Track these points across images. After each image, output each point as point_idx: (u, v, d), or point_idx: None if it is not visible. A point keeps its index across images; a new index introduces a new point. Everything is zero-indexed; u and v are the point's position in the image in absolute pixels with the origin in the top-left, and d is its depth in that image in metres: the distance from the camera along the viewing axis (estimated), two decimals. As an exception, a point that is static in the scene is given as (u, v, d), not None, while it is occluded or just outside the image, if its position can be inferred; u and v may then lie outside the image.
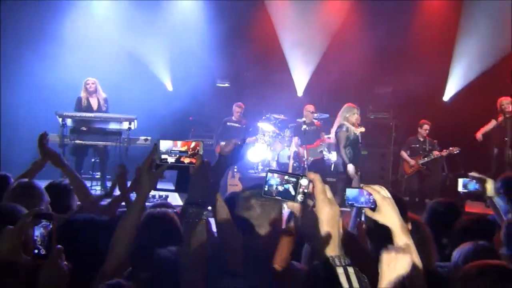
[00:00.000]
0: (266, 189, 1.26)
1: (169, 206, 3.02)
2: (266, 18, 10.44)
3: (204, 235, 1.80)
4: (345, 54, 9.65)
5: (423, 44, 9.57)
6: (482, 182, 2.99)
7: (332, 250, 1.14)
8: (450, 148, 8.22)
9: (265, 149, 9.10)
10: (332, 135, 7.45)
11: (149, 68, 10.16)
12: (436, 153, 8.35)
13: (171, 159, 1.85)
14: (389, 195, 1.69)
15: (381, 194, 1.69)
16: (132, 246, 1.92)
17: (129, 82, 9.28)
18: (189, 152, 1.84)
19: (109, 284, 1.61)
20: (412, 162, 8.55)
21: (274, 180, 1.25)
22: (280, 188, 1.24)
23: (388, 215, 1.68)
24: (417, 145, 8.61)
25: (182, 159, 1.84)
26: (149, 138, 7.86)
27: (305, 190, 1.20)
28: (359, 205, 1.75)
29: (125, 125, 7.48)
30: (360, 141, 7.22)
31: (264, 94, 9.97)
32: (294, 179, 1.22)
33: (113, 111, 8.04)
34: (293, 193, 1.22)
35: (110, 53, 9.39)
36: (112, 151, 7.67)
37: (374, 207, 1.69)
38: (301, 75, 10.68)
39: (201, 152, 1.83)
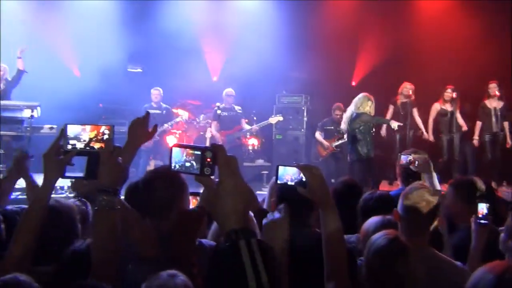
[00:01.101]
0: (173, 164, 1.22)
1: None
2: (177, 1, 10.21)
3: (116, 225, 1.72)
4: (259, 39, 9.74)
5: (332, 34, 9.90)
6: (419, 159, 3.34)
7: (235, 223, 1.10)
8: None
9: (180, 135, 8.96)
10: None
11: (53, 53, 9.52)
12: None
13: (79, 145, 1.75)
14: (321, 174, 1.76)
15: (312, 172, 1.75)
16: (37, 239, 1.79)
17: (32, 68, 8.63)
18: (98, 137, 1.74)
19: (3, 280, 1.47)
20: (326, 144, 8.82)
21: (180, 155, 1.21)
22: (187, 162, 1.21)
23: (318, 194, 1.77)
24: (332, 127, 8.82)
25: (92, 145, 1.74)
26: (54, 126, 7.39)
27: (211, 163, 1.17)
28: (286, 182, 1.84)
29: (27, 113, 6.98)
30: (373, 129, 7.28)
31: (178, 80, 9.76)
32: (198, 152, 1.19)
33: (15, 98, 7.48)
34: (199, 166, 1.18)
35: (11, 38, 8.68)
36: (14, 141, 7.12)
37: (304, 186, 1.76)
38: (215, 60, 10.61)
39: (112, 137, 1.74)
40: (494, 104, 8.46)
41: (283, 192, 2.21)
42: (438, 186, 3.22)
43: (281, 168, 1.89)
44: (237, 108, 8.65)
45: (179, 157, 1.22)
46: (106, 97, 9.79)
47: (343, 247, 1.92)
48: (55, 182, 1.79)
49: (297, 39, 10.01)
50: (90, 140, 1.74)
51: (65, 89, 8.74)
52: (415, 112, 8.53)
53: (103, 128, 1.75)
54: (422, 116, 8.66)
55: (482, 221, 2.58)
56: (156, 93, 8.86)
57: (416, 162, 3.35)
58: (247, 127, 8.74)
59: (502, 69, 8.64)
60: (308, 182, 1.80)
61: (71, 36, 9.61)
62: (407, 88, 8.45)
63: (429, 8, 9.97)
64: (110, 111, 9.68)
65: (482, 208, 2.60)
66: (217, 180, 1.16)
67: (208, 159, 1.17)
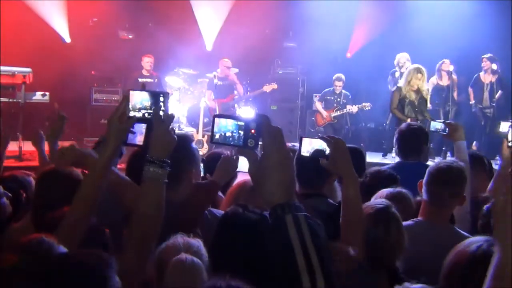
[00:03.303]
0: (215, 135, 1.17)
1: None
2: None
3: (162, 199, 1.65)
4: (253, 8, 9.55)
5: (329, 5, 9.72)
6: (452, 127, 3.10)
7: (281, 197, 1.04)
8: (363, 104, 8.54)
9: (175, 104, 8.86)
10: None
11: (42, 17, 9.23)
12: (349, 107, 8.63)
13: (141, 113, 1.68)
14: (345, 146, 1.77)
15: (337, 145, 1.76)
16: (96, 207, 1.75)
17: (20, 33, 8.39)
18: (155, 105, 1.66)
19: (30, 240, 1.47)
20: (325, 114, 8.79)
21: (221, 126, 1.16)
22: (228, 134, 1.15)
23: (339, 165, 1.79)
24: (332, 98, 8.75)
25: (150, 112, 1.67)
26: (47, 93, 7.26)
27: (255, 134, 1.12)
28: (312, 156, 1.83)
29: (19, 79, 6.82)
30: (416, 104, 6.65)
31: (171, 47, 9.59)
32: (242, 123, 1.13)
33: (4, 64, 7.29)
34: (243, 138, 1.13)
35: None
36: (5, 108, 6.98)
37: (327, 158, 1.76)
38: (209, 28, 10.40)
39: (165, 104, 1.65)
40: (488, 78, 8.48)
41: (301, 163, 2.21)
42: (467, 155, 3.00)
43: (309, 140, 1.89)
44: (230, 77, 8.56)
45: (221, 127, 1.16)
46: (97, 64, 9.59)
47: (361, 214, 1.96)
48: (117, 149, 1.73)
49: (292, 10, 9.84)
50: (150, 107, 1.67)
51: (55, 56, 8.55)
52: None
53: (159, 96, 1.67)
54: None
55: None
56: (148, 60, 8.71)
57: (447, 129, 3.10)
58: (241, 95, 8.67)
59: (497, 46, 8.66)
60: (332, 154, 1.85)
61: (60, 2, 9.32)
62: (402, 58, 8.37)
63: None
64: (102, 78, 9.49)
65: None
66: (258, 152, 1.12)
67: (253, 131, 1.12)
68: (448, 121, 3.35)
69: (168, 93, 1.69)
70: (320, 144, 1.99)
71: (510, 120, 4.70)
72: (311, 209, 2.05)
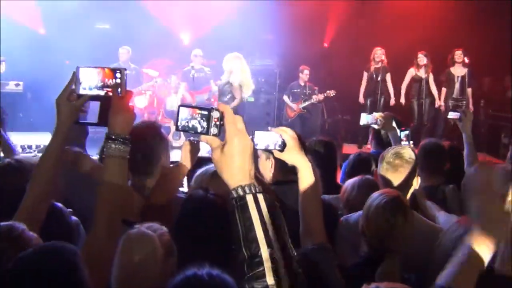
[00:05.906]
0: (179, 124, 1.23)
1: None
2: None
3: (125, 176, 1.63)
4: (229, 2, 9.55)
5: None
6: (386, 118, 3.28)
7: (242, 180, 1.12)
8: (327, 92, 8.71)
9: (151, 95, 8.82)
10: None
11: (15, 8, 9.03)
12: (315, 97, 8.86)
13: (93, 90, 1.63)
14: (294, 136, 1.76)
15: (289, 134, 1.75)
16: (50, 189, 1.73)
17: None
18: (111, 81, 1.61)
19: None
20: (294, 106, 8.99)
21: (186, 114, 1.22)
22: (193, 122, 1.22)
23: (295, 155, 1.77)
24: (298, 90, 9.03)
25: (105, 88, 1.62)
26: (20, 83, 7.15)
27: (218, 123, 1.19)
28: (267, 148, 1.80)
29: (-8, 68, 6.71)
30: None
31: (148, 38, 9.51)
32: (205, 112, 1.20)
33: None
34: (206, 126, 1.20)
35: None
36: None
37: (281, 149, 1.75)
38: (185, 21, 10.32)
39: (123, 81, 1.61)
40: (458, 71, 8.66)
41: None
42: (402, 143, 3.18)
43: (262, 133, 1.85)
44: (206, 69, 8.56)
45: (185, 116, 1.22)
46: (73, 53, 9.43)
47: (319, 202, 1.93)
48: (68, 128, 1.68)
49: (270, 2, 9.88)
50: (103, 84, 1.61)
51: (29, 46, 8.40)
52: (388, 77, 8.68)
53: (115, 72, 1.63)
54: (396, 81, 8.80)
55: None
56: (123, 52, 8.63)
57: (379, 120, 3.31)
58: (216, 88, 8.66)
59: (469, 37, 8.86)
60: (287, 145, 1.79)
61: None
62: (378, 53, 8.55)
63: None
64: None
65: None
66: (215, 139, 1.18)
67: (215, 119, 1.19)
68: (379, 113, 3.50)
69: (124, 69, 1.64)
70: (273, 136, 1.94)
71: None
72: (283, 195, 2.11)
